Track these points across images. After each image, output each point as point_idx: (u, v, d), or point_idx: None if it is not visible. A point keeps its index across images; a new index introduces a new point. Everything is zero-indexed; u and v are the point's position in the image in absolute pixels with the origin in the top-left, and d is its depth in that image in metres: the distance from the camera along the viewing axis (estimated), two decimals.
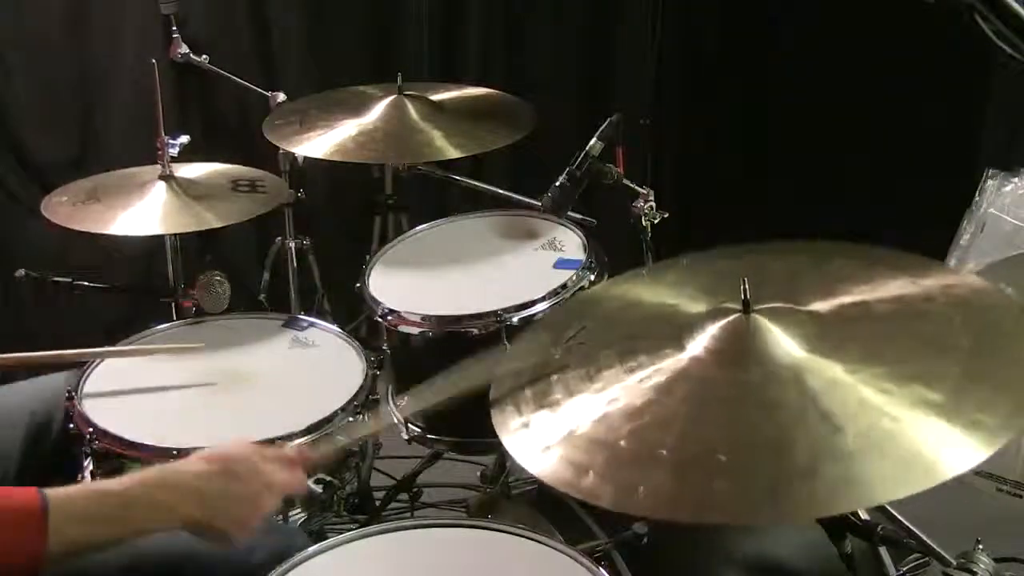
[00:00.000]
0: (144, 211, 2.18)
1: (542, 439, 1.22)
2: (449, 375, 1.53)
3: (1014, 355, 1.18)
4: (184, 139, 2.41)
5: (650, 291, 1.49)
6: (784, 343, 1.22)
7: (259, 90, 2.87)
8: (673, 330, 1.30)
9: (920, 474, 1.03)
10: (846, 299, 1.30)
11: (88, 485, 1.36)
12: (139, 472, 1.39)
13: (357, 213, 3.04)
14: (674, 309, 1.37)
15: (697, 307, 1.34)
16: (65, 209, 2.20)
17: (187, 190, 2.24)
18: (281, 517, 1.76)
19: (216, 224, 2.18)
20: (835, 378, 1.16)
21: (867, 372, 1.16)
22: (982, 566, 1.33)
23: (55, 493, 1.29)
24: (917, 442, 1.07)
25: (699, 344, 1.25)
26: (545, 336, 1.45)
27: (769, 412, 1.15)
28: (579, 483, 1.14)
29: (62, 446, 1.78)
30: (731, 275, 1.31)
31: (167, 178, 2.25)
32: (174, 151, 2.34)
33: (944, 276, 1.37)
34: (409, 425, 2.10)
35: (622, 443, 1.16)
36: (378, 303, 2.06)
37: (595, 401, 1.24)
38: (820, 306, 1.29)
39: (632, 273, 1.60)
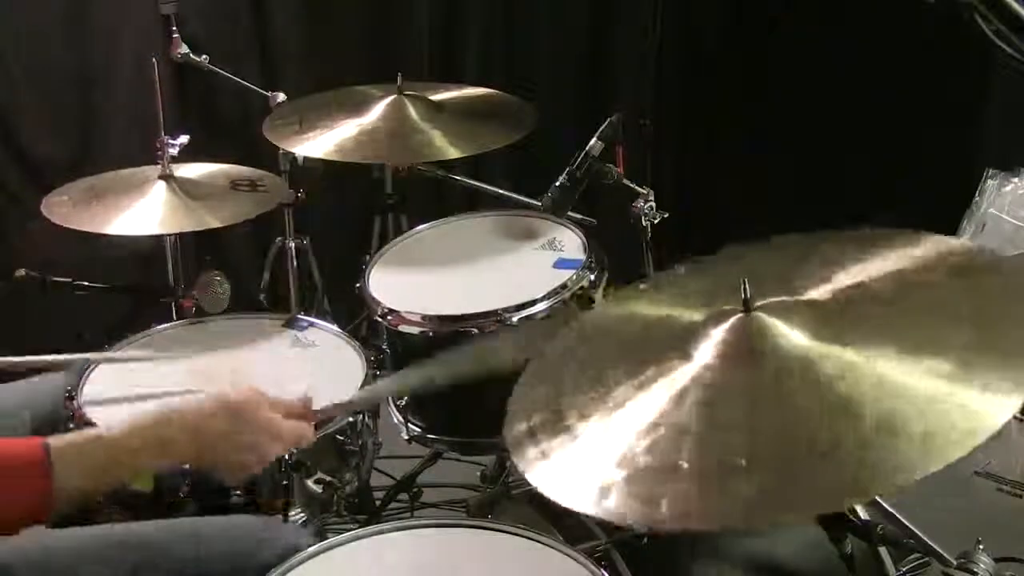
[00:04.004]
0: (144, 211, 2.18)
1: (562, 466, 1.19)
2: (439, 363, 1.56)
3: (1018, 318, 1.15)
4: (184, 139, 2.41)
5: (648, 305, 1.47)
6: (790, 335, 1.20)
7: (259, 90, 2.87)
8: (677, 340, 1.28)
9: (946, 446, 1.01)
10: (843, 282, 1.29)
11: (87, 434, 1.38)
12: (141, 417, 1.39)
13: (357, 213, 3.05)
14: (674, 319, 1.35)
15: (696, 314, 1.32)
16: (65, 209, 2.20)
17: (187, 190, 2.24)
18: (283, 517, 1.76)
19: (216, 224, 2.19)
20: (846, 361, 1.14)
21: (877, 351, 1.14)
22: (982, 566, 1.32)
23: (57, 442, 1.31)
24: (938, 415, 1.05)
25: (706, 350, 1.24)
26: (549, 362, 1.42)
27: (785, 406, 1.13)
28: (603, 504, 1.11)
29: None
30: (725, 278, 1.30)
31: (167, 178, 2.26)
32: (174, 151, 2.34)
33: (937, 245, 1.34)
34: (409, 424, 2.10)
35: (640, 459, 1.13)
36: (378, 303, 2.06)
37: (609, 421, 1.21)
38: (818, 293, 1.28)
39: (628, 289, 1.58)
